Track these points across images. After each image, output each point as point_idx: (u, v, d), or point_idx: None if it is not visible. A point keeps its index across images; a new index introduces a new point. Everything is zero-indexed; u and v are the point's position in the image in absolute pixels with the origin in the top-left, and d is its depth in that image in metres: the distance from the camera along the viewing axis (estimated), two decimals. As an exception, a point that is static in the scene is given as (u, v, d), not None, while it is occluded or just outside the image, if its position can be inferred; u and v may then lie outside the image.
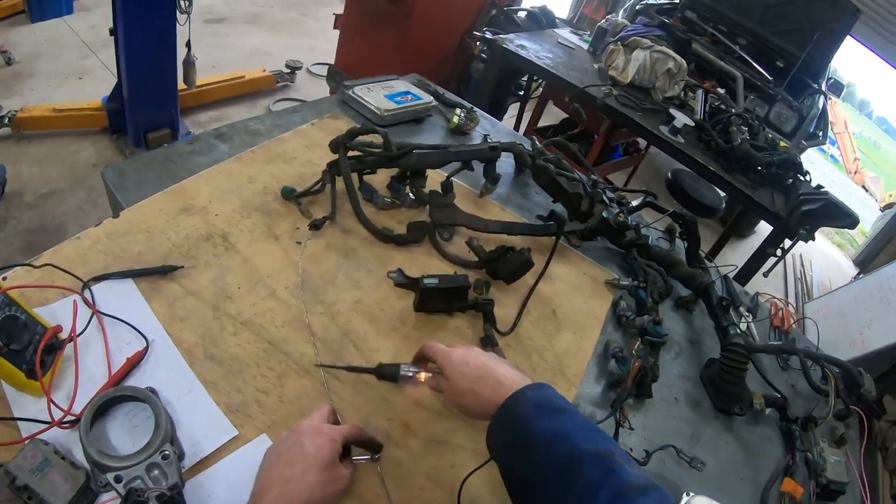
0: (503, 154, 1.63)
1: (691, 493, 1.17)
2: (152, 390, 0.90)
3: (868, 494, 1.48)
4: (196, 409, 0.94)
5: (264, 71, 4.66)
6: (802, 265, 6.72)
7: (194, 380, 0.98)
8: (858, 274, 6.45)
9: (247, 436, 0.93)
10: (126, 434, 0.87)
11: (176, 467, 0.81)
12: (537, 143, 1.83)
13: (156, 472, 0.80)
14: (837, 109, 14.82)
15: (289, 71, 4.82)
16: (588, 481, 0.72)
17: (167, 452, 0.82)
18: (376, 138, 1.47)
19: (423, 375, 1.01)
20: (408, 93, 1.99)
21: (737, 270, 2.11)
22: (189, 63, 3.50)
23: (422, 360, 1.04)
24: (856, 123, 18.53)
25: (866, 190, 13.33)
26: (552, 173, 1.62)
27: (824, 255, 7.89)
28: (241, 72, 4.50)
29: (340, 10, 4.04)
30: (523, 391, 0.86)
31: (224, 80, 4.32)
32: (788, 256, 6.66)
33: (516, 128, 4.49)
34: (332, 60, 4.19)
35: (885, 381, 4.18)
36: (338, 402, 1.04)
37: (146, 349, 0.98)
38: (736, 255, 3.45)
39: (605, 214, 1.63)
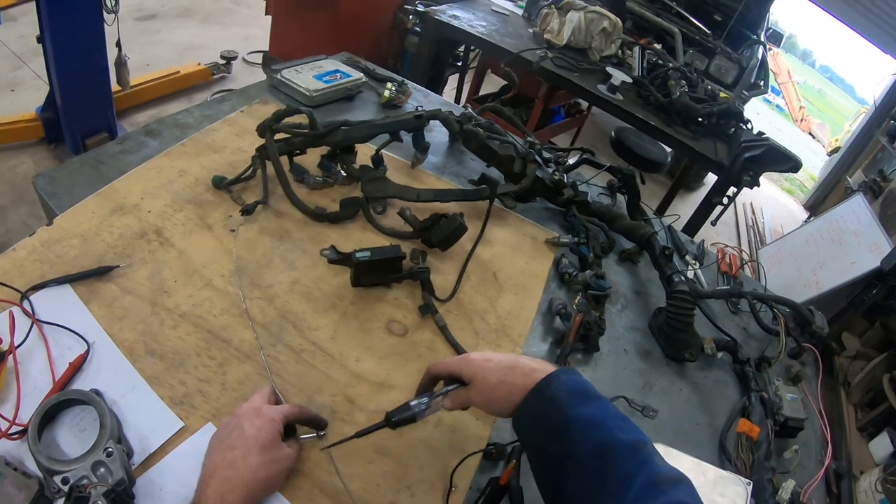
0: (438, 124, 1.61)
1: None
2: (97, 392, 0.90)
3: (828, 428, 1.50)
4: (141, 405, 0.93)
5: (199, 64, 4.55)
6: (753, 213, 6.84)
7: (137, 377, 0.97)
8: (809, 217, 6.58)
9: (193, 426, 0.93)
10: (75, 438, 0.86)
11: (121, 463, 0.80)
12: (470, 110, 1.81)
13: (101, 469, 0.79)
14: (780, 60, 15.07)
15: (224, 62, 4.71)
16: (623, 471, 0.72)
17: (111, 449, 0.81)
18: (305, 119, 1.45)
19: (443, 401, 0.95)
20: (337, 71, 1.95)
21: (679, 219, 2.11)
22: (121, 63, 3.39)
23: (428, 383, 0.99)
24: (800, 73, 18.87)
25: (813, 136, 13.62)
26: (481, 137, 1.60)
27: (775, 202, 8.05)
28: (176, 67, 4.39)
29: (272, -6, 3.95)
30: (556, 374, 0.84)
31: (159, 78, 4.20)
32: (739, 205, 6.82)
33: (457, 98, 4.48)
34: (267, 48, 4.09)
35: (841, 319, 4.30)
36: (280, 384, 1.03)
37: (87, 352, 0.97)
38: (686, 208, 3.49)
39: (539, 174, 1.62)
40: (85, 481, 0.77)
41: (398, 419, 0.92)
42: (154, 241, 1.20)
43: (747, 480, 1.19)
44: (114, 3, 2.94)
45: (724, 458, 1.29)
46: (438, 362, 0.97)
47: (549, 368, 0.86)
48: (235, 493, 0.78)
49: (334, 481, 0.93)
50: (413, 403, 0.94)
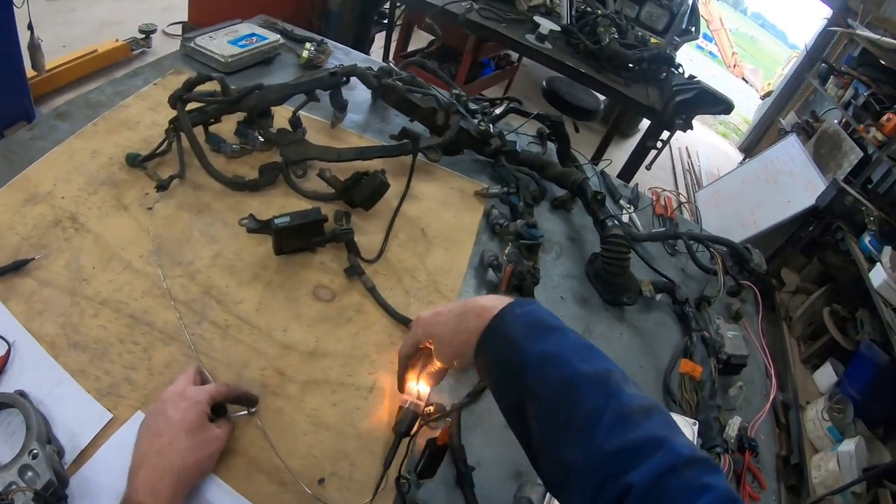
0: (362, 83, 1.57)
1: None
2: (21, 393, 0.85)
3: (772, 363, 1.52)
4: (68, 401, 0.89)
5: (117, 41, 4.35)
6: (689, 157, 6.96)
7: (62, 372, 0.93)
8: (744, 159, 6.72)
9: (122, 417, 0.89)
10: (4, 443, 0.82)
11: (49, 465, 0.76)
12: (392, 65, 1.75)
13: (29, 473, 0.75)
14: (713, 7, 15.27)
15: (143, 36, 4.51)
16: (589, 406, 0.65)
17: (36, 451, 0.76)
18: (217, 86, 1.39)
19: (425, 378, 0.91)
20: (252, 35, 1.87)
21: (612, 165, 2.11)
22: (34, 47, 3.20)
23: (404, 371, 0.93)
24: (732, 20, 19.14)
25: (746, 81, 13.89)
26: (400, 91, 1.56)
27: (710, 146, 8.21)
28: (93, 46, 4.18)
29: (188, -38, 3.79)
30: (509, 308, 0.76)
31: (76, 59, 4.00)
32: (675, 150, 6.92)
33: (385, 56, 4.40)
34: (187, 18, 3.95)
35: (780, 256, 4.43)
36: (208, 363, 1.00)
37: (8, 352, 0.92)
38: (622, 155, 3.52)
39: (464, 125, 1.58)
40: (14, 486, 0.73)
41: (406, 428, 0.88)
42: (69, 228, 1.14)
43: (693, 420, 1.19)
44: None
45: (669, 400, 1.30)
46: (403, 344, 0.92)
47: (502, 303, 0.77)
48: (165, 481, 0.75)
49: (271, 458, 0.90)
50: (407, 404, 0.90)
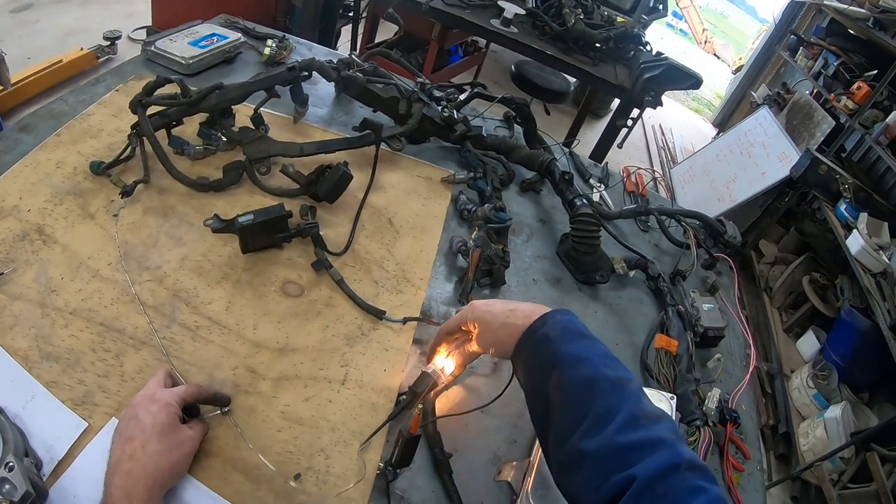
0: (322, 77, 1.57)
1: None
2: None
3: (750, 333, 1.54)
4: (43, 413, 0.90)
5: (82, 50, 4.29)
6: (663, 134, 6.99)
7: (35, 384, 0.92)
8: (718, 134, 6.75)
9: (97, 425, 0.89)
10: None
11: (25, 477, 0.76)
12: (353, 57, 1.74)
13: (6, 486, 0.74)
14: (681, -15, 15.33)
15: (108, 43, 4.44)
16: (605, 404, 0.75)
17: (11, 463, 0.76)
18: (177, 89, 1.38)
19: (454, 355, 1.00)
20: (213, 35, 1.85)
21: (581, 144, 2.12)
22: None
23: (437, 345, 1.04)
24: (701, -3, 19.22)
25: (718, 57, 13.97)
26: (361, 82, 1.55)
27: (683, 123, 8.25)
28: (58, 56, 4.13)
29: (150, -34, 3.75)
30: (552, 314, 0.88)
31: (41, 70, 3.93)
32: (648, 128, 6.95)
33: (353, 49, 4.35)
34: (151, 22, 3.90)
35: (758, 228, 4.48)
36: (179, 365, 1.00)
37: None
38: (595, 135, 3.54)
39: (427, 112, 1.58)
40: None
41: (417, 390, 0.96)
42: (37, 241, 1.13)
43: (671, 395, 1.19)
44: None
45: (647, 376, 1.31)
46: (448, 321, 1.02)
47: (546, 310, 0.90)
48: (140, 485, 0.76)
49: (246, 456, 0.91)
50: (427, 370, 0.98)
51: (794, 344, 3.91)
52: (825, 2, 5.43)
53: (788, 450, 3.28)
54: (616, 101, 3.40)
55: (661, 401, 1.17)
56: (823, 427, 3.05)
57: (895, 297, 3.18)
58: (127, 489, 0.75)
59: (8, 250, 1.09)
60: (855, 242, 3.49)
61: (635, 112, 3.14)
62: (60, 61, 4.09)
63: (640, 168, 2.04)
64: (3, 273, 1.05)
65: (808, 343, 3.79)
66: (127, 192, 1.24)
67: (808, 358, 3.72)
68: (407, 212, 1.45)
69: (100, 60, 4.39)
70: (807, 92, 5.51)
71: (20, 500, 0.73)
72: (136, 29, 4.88)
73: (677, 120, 8.07)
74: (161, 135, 1.33)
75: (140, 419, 0.81)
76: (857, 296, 3.58)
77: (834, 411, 3.07)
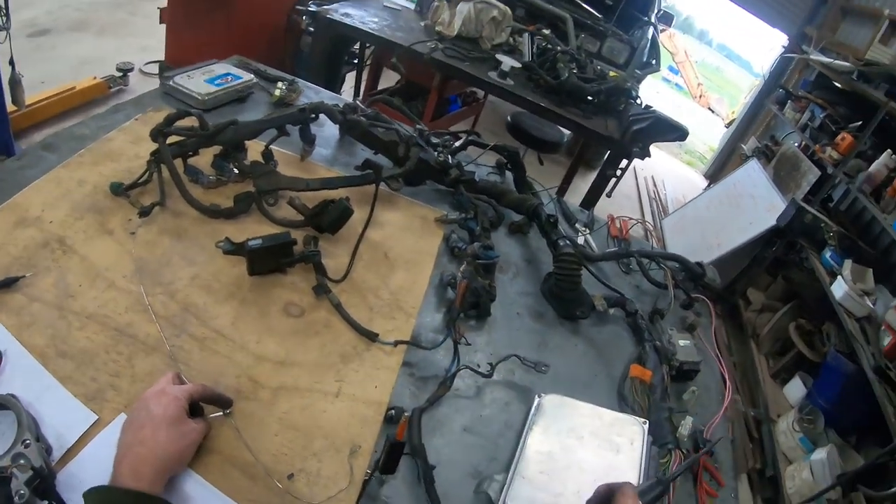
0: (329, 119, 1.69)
1: (542, 394, 1.28)
2: (12, 396, 0.92)
3: (726, 369, 1.63)
4: (56, 404, 0.96)
5: (95, 78, 4.45)
6: (655, 185, 7.14)
7: (50, 378, 1.00)
8: (709, 185, 6.91)
9: (106, 419, 0.96)
10: None
11: (39, 454, 0.84)
12: (359, 103, 1.87)
13: (21, 461, 0.82)
14: (678, 40, 15.71)
15: (121, 74, 4.62)
16: None
17: (28, 441, 0.84)
18: (196, 122, 1.49)
19: None
20: (228, 74, 1.98)
21: (573, 193, 2.24)
22: (15, 82, 3.28)
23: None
24: (697, 52, 19.65)
25: (712, 111, 14.27)
26: (364, 126, 1.68)
27: (676, 175, 8.43)
28: (72, 83, 4.28)
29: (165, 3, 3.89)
30: None
31: (55, 95, 4.09)
32: (641, 179, 7.11)
33: (355, 95, 4.50)
34: (163, 57, 4.03)
35: (747, 275, 4.57)
36: (187, 371, 1.08)
37: (0, 359, 0.99)
38: (587, 185, 3.65)
39: (423, 157, 1.70)
40: (13, 464, 0.81)
41: None
42: (57, 250, 1.22)
43: (643, 420, 1.28)
44: (5, 20, 2.85)
45: (622, 405, 1.39)
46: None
47: None
48: (148, 466, 0.84)
49: (243, 455, 0.98)
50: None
51: (780, 389, 3.94)
52: (812, 56, 5.63)
53: (775, 493, 3.30)
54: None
55: (634, 424, 1.26)
56: (809, 470, 3.07)
57: (879, 340, 3.25)
58: (136, 468, 0.83)
59: (30, 256, 1.19)
60: (839, 288, 3.58)
61: (624, 162, 3.27)
62: (74, 88, 4.24)
63: (628, 217, 2.16)
64: (24, 276, 1.14)
65: (795, 388, 3.83)
66: (145, 213, 1.34)
67: (794, 403, 3.76)
68: (402, 247, 1.55)
69: (111, 90, 4.55)
70: (794, 144, 5.65)
71: (34, 474, 0.81)
72: (149, 62, 5.03)
73: (670, 172, 8.25)
74: (178, 163, 1.43)
75: (151, 409, 0.90)
76: (843, 341, 3.63)
77: (820, 454, 3.10)
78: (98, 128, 1.63)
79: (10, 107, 3.35)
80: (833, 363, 3.49)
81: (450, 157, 1.80)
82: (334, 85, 3.96)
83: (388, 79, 4.31)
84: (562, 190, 2.15)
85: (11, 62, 3.16)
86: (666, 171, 8.13)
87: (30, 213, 1.28)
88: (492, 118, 5.70)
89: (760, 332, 4.38)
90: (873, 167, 4.09)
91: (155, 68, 4.75)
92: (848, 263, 3.71)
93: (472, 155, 2.02)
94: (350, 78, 4.63)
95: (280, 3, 3.90)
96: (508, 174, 2.07)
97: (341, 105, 1.76)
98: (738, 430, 3.56)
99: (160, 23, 3.91)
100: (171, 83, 1.86)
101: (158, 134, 1.41)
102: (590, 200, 3.44)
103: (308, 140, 1.71)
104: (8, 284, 1.12)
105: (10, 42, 2.95)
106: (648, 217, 6.31)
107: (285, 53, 3.92)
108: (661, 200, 6.87)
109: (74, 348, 1.06)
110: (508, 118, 4.03)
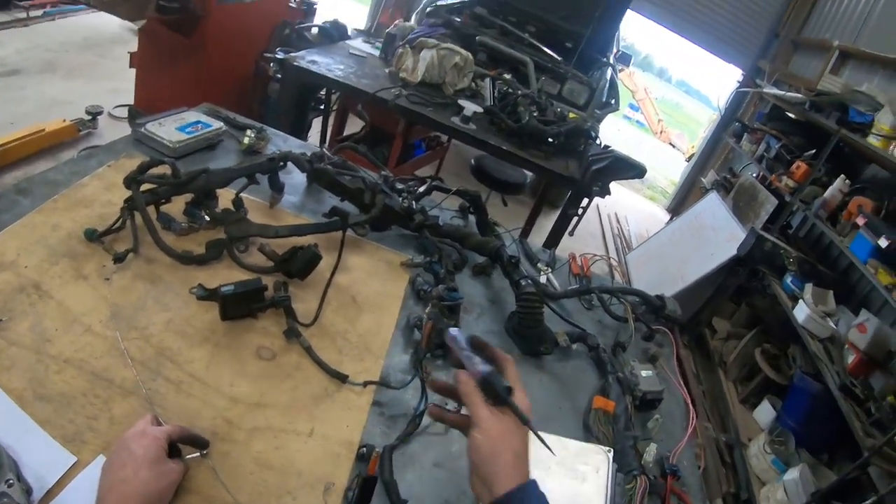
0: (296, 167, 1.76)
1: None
2: None
3: (688, 396, 1.71)
4: (35, 446, 0.99)
5: (64, 121, 4.44)
6: (619, 222, 7.30)
7: (29, 420, 1.01)
8: (671, 219, 7.07)
9: (85, 460, 0.99)
10: None
11: (23, 493, 0.87)
12: (324, 150, 1.94)
13: (5, 500, 0.85)
14: (637, 79, 16.13)
15: (90, 118, 4.62)
16: None
17: (11, 480, 0.87)
18: (168, 170, 1.53)
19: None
20: (198, 122, 2.03)
21: (539, 234, 2.32)
22: None
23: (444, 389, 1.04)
24: (658, 89, 20.16)
25: (674, 146, 14.61)
26: (331, 174, 1.74)
27: (639, 211, 8.60)
28: (41, 125, 4.26)
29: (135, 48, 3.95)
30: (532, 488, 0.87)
31: (23, 137, 4.05)
32: (604, 216, 7.28)
33: (321, 141, 4.58)
34: (133, 101, 4.09)
35: (711, 305, 4.69)
36: (163, 413, 1.10)
37: None
38: (551, 224, 3.75)
39: (388, 203, 1.77)
40: (4, 499, 0.83)
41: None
42: (33, 295, 1.24)
43: (608, 448, 1.34)
44: None
45: (588, 436, 1.44)
46: (468, 392, 0.94)
47: (525, 480, 0.88)
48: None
49: (221, 495, 1.02)
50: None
51: (750, 414, 4.02)
52: (766, 90, 5.86)
53: (751, 516, 3.36)
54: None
55: (599, 453, 1.33)
56: (783, 490, 3.14)
57: (843, 359, 3.38)
58: None
59: (6, 300, 1.21)
60: (802, 312, 3.71)
61: (585, 201, 3.37)
62: (43, 130, 4.21)
63: (591, 254, 2.25)
64: (1, 320, 1.16)
65: (764, 412, 3.92)
66: (119, 259, 1.38)
67: (764, 426, 3.85)
68: (369, 291, 1.61)
69: (81, 133, 4.53)
70: (752, 175, 5.85)
71: None
72: (118, 106, 5.05)
73: (633, 208, 8.43)
74: (150, 210, 1.47)
75: (132, 450, 0.93)
76: (808, 362, 3.74)
77: (792, 473, 3.18)
78: (71, 173, 1.66)
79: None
80: (800, 384, 3.61)
81: (414, 202, 1.87)
82: (301, 131, 4.04)
83: (354, 124, 4.39)
84: (525, 231, 2.21)
85: (-20, 103, 3.15)
86: (629, 206, 8.32)
87: (5, 258, 1.30)
88: (456, 161, 5.79)
89: (727, 360, 4.48)
90: (828, 193, 4.27)
91: (124, 112, 4.78)
92: (809, 287, 3.85)
93: (436, 199, 2.10)
94: (317, 123, 4.69)
95: (248, 51, 3.98)
96: (471, 217, 2.14)
97: (309, 153, 1.82)
98: (711, 456, 3.62)
99: (130, 66, 3.96)
100: (142, 130, 1.89)
101: (132, 181, 1.46)
102: (553, 240, 3.53)
103: (277, 188, 1.77)
104: (-15, 328, 1.13)
105: (-20, 82, 2.95)
106: (613, 253, 6.43)
107: (253, 99, 3.99)
108: (624, 236, 7.02)
109: (52, 391, 1.08)
110: (472, 161, 4.13)
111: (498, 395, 0.90)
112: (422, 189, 1.99)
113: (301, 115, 4.01)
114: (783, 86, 6.03)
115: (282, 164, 1.72)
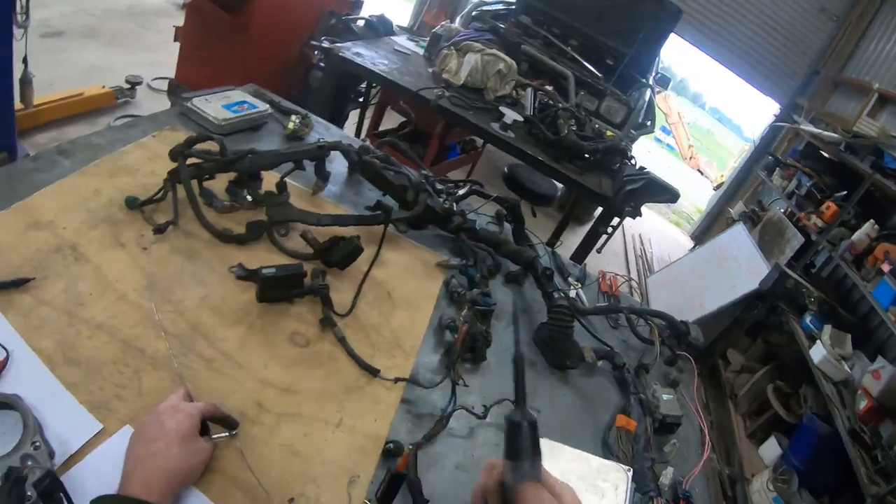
0: (338, 156, 1.74)
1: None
2: (17, 397, 0.93)
3: (705, 424, 1.69)
4: (60, 409, 0.97)
5: (104, 88, 4.47)
6: (642, 244, 7.27)
7: (56, 383, 1.00)
8: (695, 246, 7.03)
9: (111, 429, 0.98)
10: None
11: (47, 456, 0.86)
12: (369, 143, 1.94)
13: (29, 462, 0.84)
14: (672, 102, 16.08)
15: (129, 87, 4.65)
16: None
17: (38, 443, 0.86)
18: (215, 146, 1.54)
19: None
20: (244, 102, 2.03)
21: (564, 246, 2.32)
22: (26, 81, 3.28)
23: None
24: (691, 114, 20.09)
25: (701, 173, 14.55)
26: (377, 168, 1.74)
27: (663, 234, 8.57)
28: (81, 89, 4.29)
29: (181, 21, 3.95)
30: None
31: (62, 99, 4.09)
32: (628, 237, 7.26)
33: (357, 133, 4.59)
34: (172, 75, 4.09)
35: (727, 337, 4.66)
36: (193, 390, 1.09)
37: (6, 359, 0.99)
38: (576, 239, 3.70)
39: (430, 203, 1.77)
40: (28, 463, 0.83)
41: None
42: (69, 256, 1.24)
43: (627, 467, 1.34)
44: (24, 17, 2.85)
45: (607, 453, 1.44)
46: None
47: None
48: (159, 479, 0.87)
49: (246, 477, 1.01)
50: None
51: (756, 449, 4.00)
52: (802, 126, 5.81)
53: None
54: (598, 210, 3.60)
55: (619, 471, 1.32)
56: None
57: (855, 404, 3.35)
58: (148, 480, 0.86)
59: (41, 259, 1.20)
60: (818, 352, 3.68)
61: (615, 220, 3.36)
62: (82, 94, 4.24)
63: (616, 273, 2.24)
64: (34, 278, 1.15)
65: (770, 448, 3.90)
66: (160, 230, 1.38)
67: (769, 463, 3.82)
68: (404, 288, 1.61)
69: (118, 101, 4.56)
70: (780, 210, 5.80)
71: (43, 476, 0.82)
72: (156, 78, 5.09)
73: (657, 231, 8.41)
74: (193, 185, 1.47)
75: (165, 424, 0.92)
76: (820, 404, 3.72)
77: None
78: (114, 139, 1.66)
79: (17, 105, 3.32)
80: (808, 425, 3.58)
81: (454, 204, 1.87)
82: (338, 120, 4.05)
83: (391, 119, 4.39)
84: (551, 243, 2.22)
85: (25, 61, 3.15)
86: (653, 229, 8.30)
87: (43, 217, 1.30)
88: (487, 167, 5.80)
89: (738, 393, 4.46)
90: (856, 236, 4.24)
91: (163, 84, 4.80)
92: (828, 328, 3.82)
93: (474, 204, 2.10)
94: (352, 115, 4.70)
95: (293, 37, 3.99)
96: (507, 225, 2.14)
97: (355, 145, 1.83)
98: (713, 488, 3.60)
99: (174, 40, 3.96)
100: (188, 105, 1.90)
101: (179, 154, 1.46)
102: (580, 255, 3.52)
103: (323, 176, 1.77)
104: (17, 285, 1.13)
105: (25, 41, 2.93)
106: (634, 273, 6.41)
107: (292, 85, 3.99)
108: (647, 258, 6.99)
109: (82, 356, 1.07)
110: (505, 169, 4.14)
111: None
112: (461, 192, 1.98)
113: (340, 106, 4.02)
114: (820, 123, 5.97)
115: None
